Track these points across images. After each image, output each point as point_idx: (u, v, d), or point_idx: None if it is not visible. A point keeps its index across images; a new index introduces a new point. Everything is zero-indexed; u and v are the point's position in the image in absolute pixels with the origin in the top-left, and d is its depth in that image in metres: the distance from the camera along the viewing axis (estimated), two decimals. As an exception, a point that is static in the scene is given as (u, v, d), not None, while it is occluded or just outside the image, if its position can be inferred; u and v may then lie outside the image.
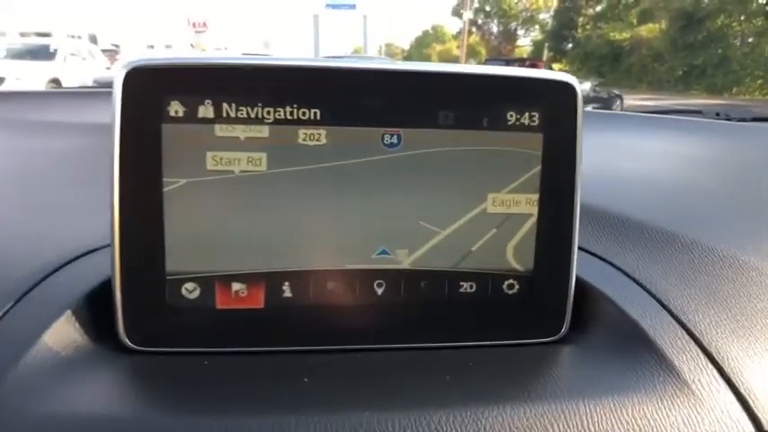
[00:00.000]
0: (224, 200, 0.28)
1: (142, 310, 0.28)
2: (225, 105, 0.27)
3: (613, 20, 23.78)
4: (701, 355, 0.28)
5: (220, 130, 0.28)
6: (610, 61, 22.50)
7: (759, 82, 16.41)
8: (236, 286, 0.29)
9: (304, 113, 0.28)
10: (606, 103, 6.73)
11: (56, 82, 6.60)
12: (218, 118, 0.27)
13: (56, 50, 7.49)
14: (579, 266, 0.31)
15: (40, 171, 0.52)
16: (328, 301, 0.30)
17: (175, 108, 0.27)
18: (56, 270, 0.31)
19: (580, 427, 0.24)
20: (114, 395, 0.26)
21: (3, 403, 0.24)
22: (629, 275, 0.34)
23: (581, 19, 26.45)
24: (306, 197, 0.29)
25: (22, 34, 10.84)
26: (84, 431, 0.23)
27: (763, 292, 0.32)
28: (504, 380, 0.28)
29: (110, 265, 0.28)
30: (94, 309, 0.29)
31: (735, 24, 17.52)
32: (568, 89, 0.30)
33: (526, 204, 0.30)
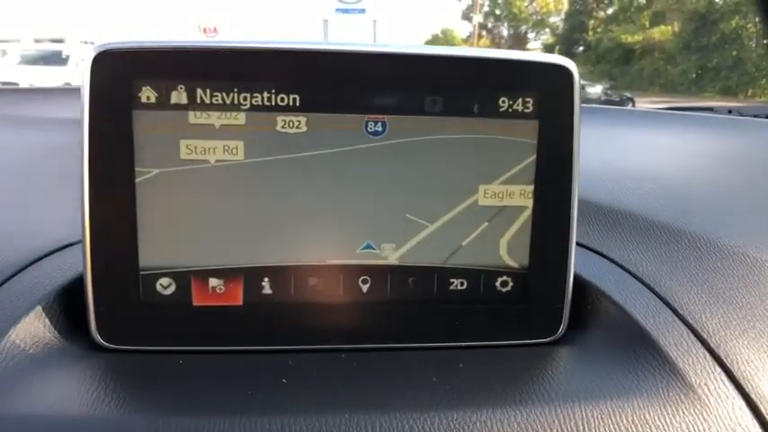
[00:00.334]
0: (199, 191, 0.27)
1: (115, 307, 0.28)
2: (199, 90, 0.26)
3: (625, 22, 23.67)
4: (708, 358, 0.27)
5: (194, 116, 0.27)
6: (621, 64, 22.40)
7: (774, 83, 16.24)
8: (213, 282, 0.28)
9: (282, 99, 0.27)
10: (618, 106, 6.70)
11: (68, 86, 6.77)
12: (192, 104, 0.26)
13: (68, 56, 7.73)
14: (577, 263, 0.30)
15: (13, 166, 0.51)
16: (310, 298, 0.29)
17: (147, 94, 0.26)
18: (28, 265, 0.31)
19: None
20: (84, 395, 0.25)
21: None
22: (630, 272, 0.32)
23: (592, 22, 26.37)
24: (285, 188, 0.27)
25: (37, 40, 11.07)
26: None
27: None
28: (495, 382, 0.26)
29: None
30: (66, 305, 0.29)
31: (749, 26, 17.36)
32: (565, 73, 0.28)
33: (520, 196, 0.29)
